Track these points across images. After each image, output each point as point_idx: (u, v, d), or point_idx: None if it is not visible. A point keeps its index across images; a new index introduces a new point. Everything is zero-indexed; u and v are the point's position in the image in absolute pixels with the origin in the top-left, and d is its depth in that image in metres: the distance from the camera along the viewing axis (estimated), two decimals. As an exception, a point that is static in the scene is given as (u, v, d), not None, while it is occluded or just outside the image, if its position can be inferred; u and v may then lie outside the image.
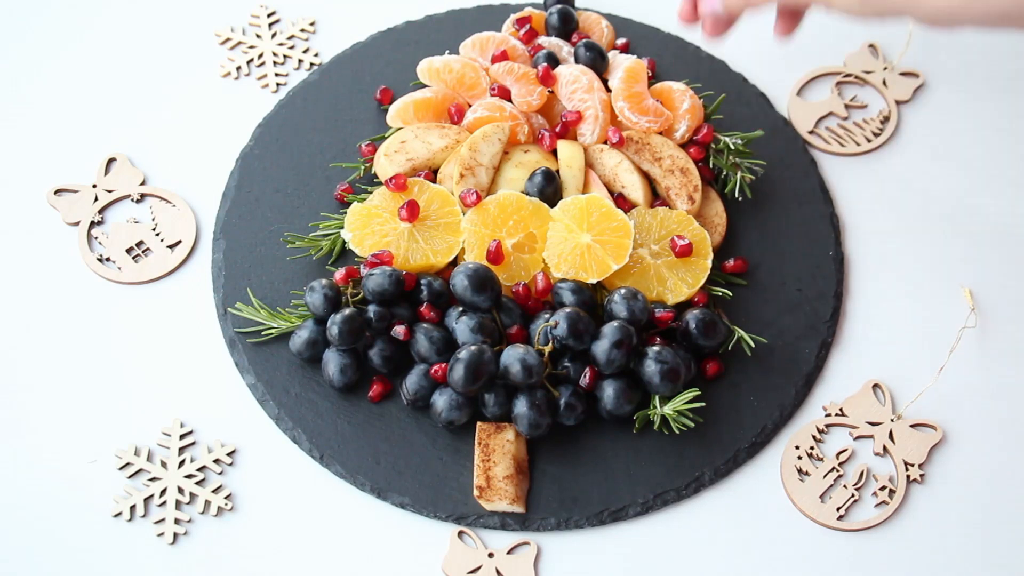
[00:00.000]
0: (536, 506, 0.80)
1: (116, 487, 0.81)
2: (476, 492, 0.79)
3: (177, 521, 0.80)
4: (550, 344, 0.80)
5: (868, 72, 1.02)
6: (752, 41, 1.04)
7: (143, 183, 0.95)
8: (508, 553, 0.79)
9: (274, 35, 1.04)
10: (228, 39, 1.03)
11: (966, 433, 0.85)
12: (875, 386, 0.86)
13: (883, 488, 0.82)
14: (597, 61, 0.94)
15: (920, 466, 0.83)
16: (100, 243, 0.91)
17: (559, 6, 0.99)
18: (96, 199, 0.93)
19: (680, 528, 0.81)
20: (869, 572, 0.79)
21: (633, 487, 0.81)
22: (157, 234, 0.92)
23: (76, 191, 0.94)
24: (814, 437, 0.84)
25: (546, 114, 0.94)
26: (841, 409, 0.85)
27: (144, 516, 0.80)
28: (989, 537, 0.81)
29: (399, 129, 0.93)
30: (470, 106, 0.94)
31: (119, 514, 0.80)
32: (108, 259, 0.91)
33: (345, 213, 0.88)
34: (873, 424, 0.85)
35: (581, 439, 0.83)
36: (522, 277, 0.85)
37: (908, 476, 0.83)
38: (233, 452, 0.83)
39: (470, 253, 0.85)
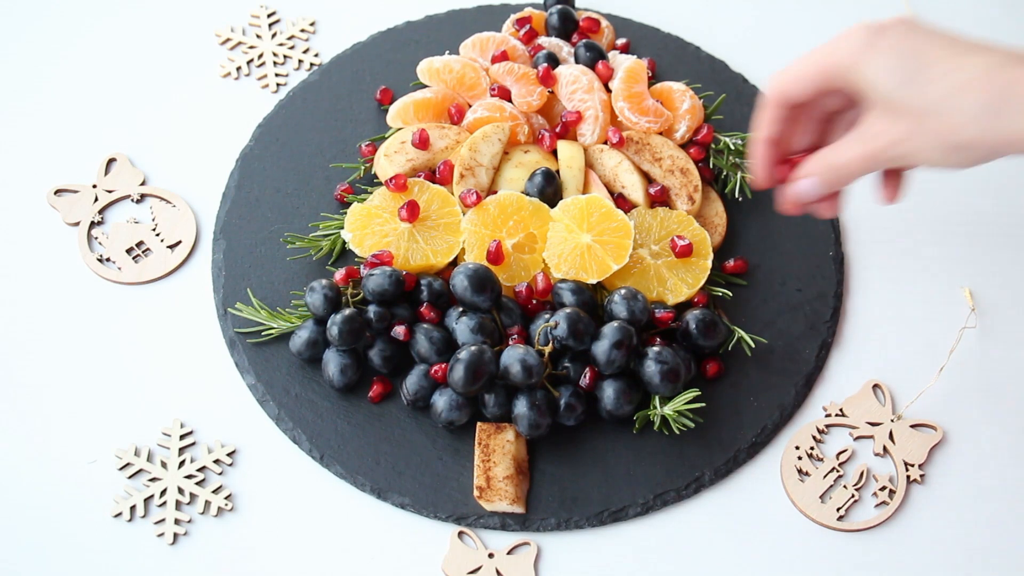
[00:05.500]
0: (536, 506, 0.80)
1: (116, 487, 0.81)
2: (476, 492, 0.79)
3: (177, 521, 0.80)
4: (550, 344, 0.80)
5: (868, 72, 1.02)
6: (752, 41, 1.04)
7: (143, 183, 0.95)
8: (508, 553, 0.79)
9: (274, 35, 1.04)
10: (228, 39, 1.03)
11: (966, 433, 0.85)
12: (875, 386, 0.86)
13: (883, 488, 0.82)
14: (597, 61, 0.94)
15: (920, 466, 0.83)
16: (100, 243, 0.91)
17: (559, 6, 0.99)
18: (96, 199, 0.93)
19: (680, 528, 0.81)
20: (869, 572, 0.79)
21: (633, 487, 0.81)
22: (157, 234, 0.92)
23: (76, 191, 0.94)
24: (814, 437, 0.84)
25: (546, 114, 0.94)
26: (841, 409, 0.85)
27: (144, 516, 0.80)
28: (989, 537, 0.81)
29: (399, 129, 0.93)
30: (470, 106, 0.94)
31: (119, 514, 0.80)
32: (108, 259, 0.91)
33: (345, 213, 0.88)
34: (873, 424, 0.85)
35: (581, 439, 0.83)
36: (522, 277, 0.85)
37: (908, 476, 0.83)
38: (233, 452, 0.83)
39: (470, 253, 0.85)
